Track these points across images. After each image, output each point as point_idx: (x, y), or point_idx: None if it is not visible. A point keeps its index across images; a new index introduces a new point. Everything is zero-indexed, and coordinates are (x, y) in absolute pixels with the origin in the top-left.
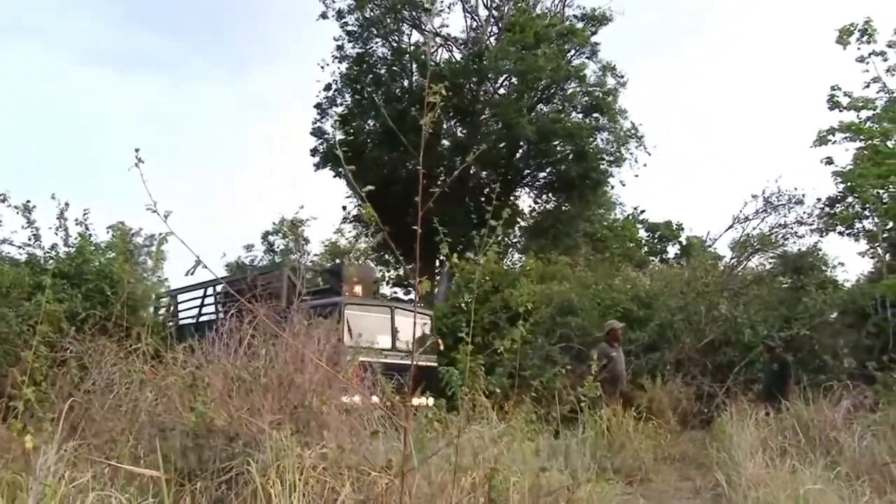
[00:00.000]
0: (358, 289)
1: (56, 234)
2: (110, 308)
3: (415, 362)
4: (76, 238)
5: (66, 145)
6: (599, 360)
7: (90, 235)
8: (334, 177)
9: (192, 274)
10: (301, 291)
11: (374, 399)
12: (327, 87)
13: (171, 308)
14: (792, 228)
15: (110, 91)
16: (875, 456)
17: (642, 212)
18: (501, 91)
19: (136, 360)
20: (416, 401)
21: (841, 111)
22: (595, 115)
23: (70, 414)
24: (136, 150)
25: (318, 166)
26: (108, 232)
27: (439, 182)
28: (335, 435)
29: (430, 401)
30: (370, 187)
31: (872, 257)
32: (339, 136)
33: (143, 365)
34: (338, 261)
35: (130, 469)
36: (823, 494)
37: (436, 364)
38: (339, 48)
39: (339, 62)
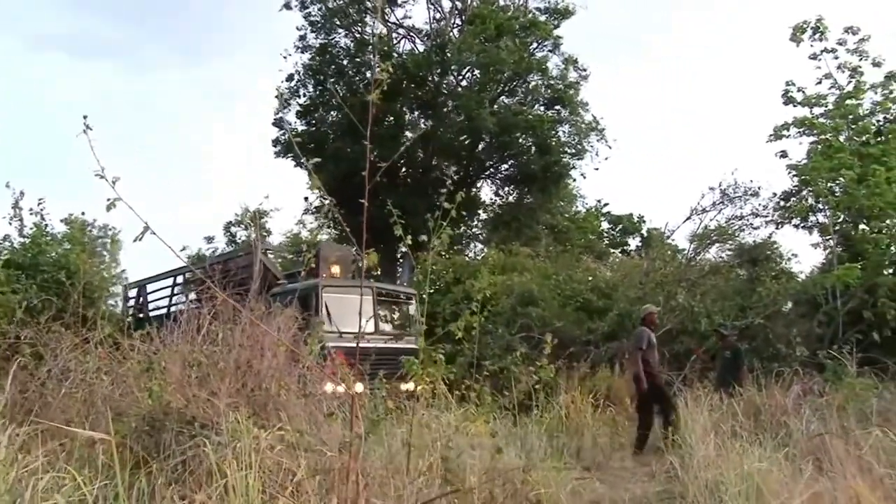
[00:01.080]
0: (336, 269)
1: (10, 223)
2: (67, 299)
3: (401, 346)
4: (31, 228)
5: (20, 132)
6: (641, 343)
7: (46, 226)
8: (295, 166)
9: (140, 240)
10: (276, 274)
11: (359, 387)
12: (289, 78)
13: (140, 299)
14: (748, 220)
15: (64, 77)
16: (821, 436)
17: (605, 205)
18: (464, 83)
19: (93, 349)
20: (403, 386)
21: (795, 106)
22: (557, 107)
23: (24, 401)
24: (85, 117)
25: (279, 157)
26: (63, 223)
27: (402, 173)
28: (291, 418)
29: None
30: (316, 159)
31: (825, 249)
32: (305, 127)
33: (98, 352)
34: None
35: (81, 432)
36: (769, 473)
37: (417, 347)
38: (302, 38)
39: (302, 52)
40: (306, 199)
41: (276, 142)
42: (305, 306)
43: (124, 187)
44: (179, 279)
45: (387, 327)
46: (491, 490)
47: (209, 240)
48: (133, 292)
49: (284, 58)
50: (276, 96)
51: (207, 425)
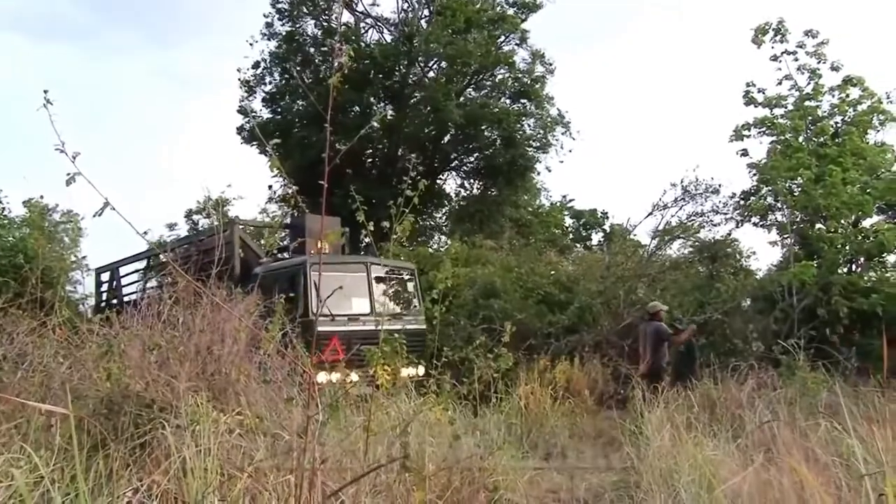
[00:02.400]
0: (324, 244)
1: None
2: (24, 283)
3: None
4: None
5: None
6: (666, 338)
7: (2, 210)
8: (260, 153)
9: (100, 215)
10: (257, 252)
11: (355, 375)
12: (256, 65)
13: (114, 282)
14: (708, 217)
15: (23, 59)
16: (771, 429)
17: (570, 200)
18: (431, 74)
19: (50, 333)
20: (404, 371)
21: (756, 107)
22: (523, 101)
23: None
24: (45, 92)
25: (244, 144)
26: (24, 206)
27: (368, 163)
28: (251, 403)
29: (421, 370)
30: (276, 141)
31: (782, 247)
32: (270, 115)
33: (57, 335)
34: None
35: (39, 405)
36: (722, 462)
37: (424, 328)
38: (269, 25)
39: (269, 40)
40: (270, 187)
41: (240, 129)
42: (292, 287)
43: (85, 171)
44: (152, 262)
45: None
46: (449, 477)
47: (171, 227)
48: (106, 276)
49: (251, 45)
50: (241, 83)
51: (166, 408)
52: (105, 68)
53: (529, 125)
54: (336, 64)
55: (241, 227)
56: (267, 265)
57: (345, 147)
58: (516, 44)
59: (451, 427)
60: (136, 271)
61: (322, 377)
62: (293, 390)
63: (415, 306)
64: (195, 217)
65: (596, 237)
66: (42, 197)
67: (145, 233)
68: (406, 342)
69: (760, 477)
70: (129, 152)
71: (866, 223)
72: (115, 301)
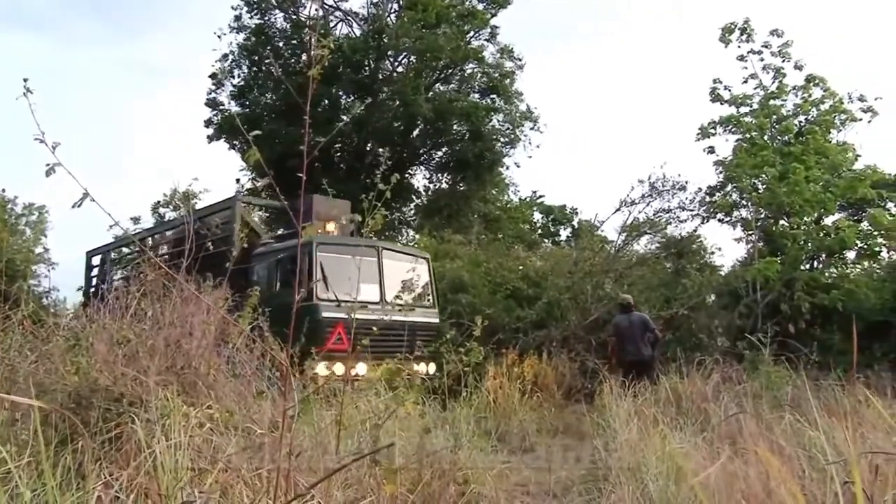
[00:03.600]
0: (331, 226)
1: None
2: None
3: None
4: None
5: None
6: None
7: None
8: (229, 149)
9: (79, 206)
10: (258, 232)
11: (361, 368)
12: (224, 57)
13: (104, 266)
14: (675, 214)
15: None
16: (737, 422)
17: (540, 196)
18: (400, 69)
19: (15, 326)
20: (416, 368)
21: (722, 104)
22: (492, 96)
23: None
24: (25, 81)
25: (211, 138)
26: None
27: (337, 157)
28: (220, 398)
29: (432, 368)
30: (257, 132)
31: (746, 244)
32: (238, 108)
33: (22, 327)
34: None
35: (5, 397)
36: (688, 455)
37: (437, 321)
38: (237, 18)
39: (237, 32)
40: (238, 181)
41: (208, 122)
42: (296, 269)
43: (47, 161)
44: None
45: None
46: (419, 470)
47: (135, 220)
48: (97, 260)
49: (219, 37)
50: (211, 76)
51: (136, 403)
52: (70, 58)
53: (498, 120)
54: (315, 56)
55: (242, 204)
56: (269, 245)
57: (322, 141)
58: (486, 39)
59: (421, 421)
60: (130, 254)
61: (322, 369)
62: (263, 384)
63: (428, 299)
64: (161, 210)
65: (564, 233)
66: (3, 190)
67: (113, 225)
68: (419, 337)
69: (727, 469)
70: (94, 144)
71: (828, 220)
72: (104, 286)
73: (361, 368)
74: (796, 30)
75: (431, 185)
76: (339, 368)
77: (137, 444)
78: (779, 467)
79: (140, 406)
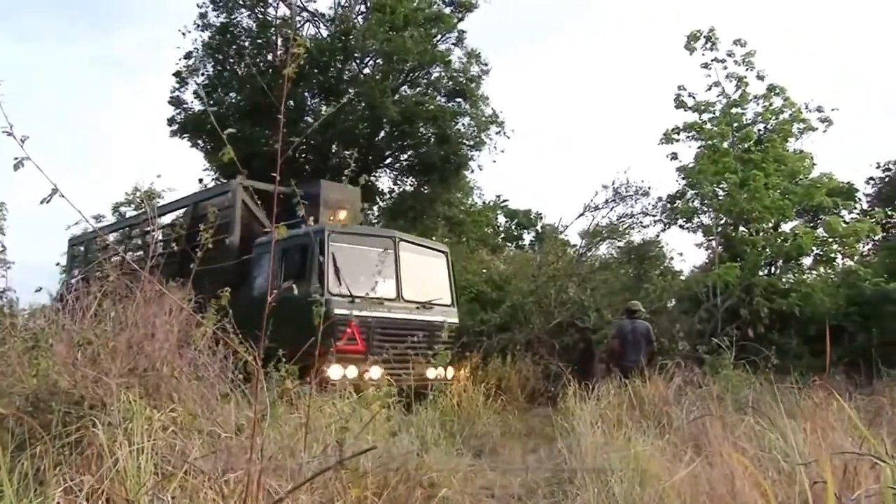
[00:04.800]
0: (342, 214)
1: None
2: None
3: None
4: None
5: None
6: (651, 340)
7: None
8: (192, 147)
9: (48, 202)
10: (261, 220)
11: (376, 371)
12: (188, 56)
13: (88, 256)
14: (637, 219)
15: None
16: (698, 425)
17: (504, 200)
18: (367, 71)
19: None
20: (431, 373)
21: (686, 111)
22: (458, 100)
23: None
24: None
25: (174, 135)
26: None
27: (301, 159)
28: (183, 400)
29: (450, 373)
30: (231, 130)
31: (707, 249)
32: (204, 106)
33: None
34: None
35: None
36: (653, 457)
37: (457, 321)
38: (203, 16)
39: (202, 30)
40: (201, 180)
41: (171, 121)
42: (304, 260)
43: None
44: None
45: (411, 294)
46: (385, 474)
47: (97, 219)
48: (81, 249)
49: (183, 35)
50: (175, 74)
51: (97, 406)
52: (25, 52)
53: (464, 124)
54: (291, 55)
55: (244, 188)
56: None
57: (295, 142)
58: (452, 43)
59: (387, 424)
60: (119, 241)
61: (336, 372)
62: (227, 387)
63: (448, 297)
64: (122, 209)
65: (528, 237)
66: None
67: (68, 227)
68: (437, 338)
69: (693, 471)
70: (51, 139)
71: (786, 227)
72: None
73: (375, 372)
74: (760, 38)
75: (396, 188)
76: (351, 371)
77: (99, 448)
78: (749, 468)
79: (101, 409)
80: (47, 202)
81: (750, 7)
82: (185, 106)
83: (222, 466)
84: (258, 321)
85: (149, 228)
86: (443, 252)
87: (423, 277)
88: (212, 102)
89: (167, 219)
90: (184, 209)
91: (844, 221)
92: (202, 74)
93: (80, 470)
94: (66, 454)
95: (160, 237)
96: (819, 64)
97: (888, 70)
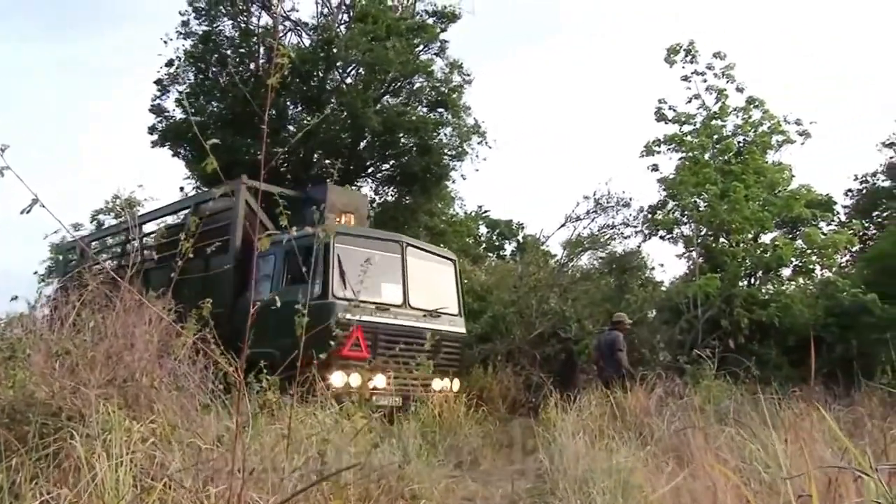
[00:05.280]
0: (348, 218)
1: None
2: None
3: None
4: None
5: None
6: (621, 346)
7: None
8: (173, 156)
9: (28, 212)
10: (264, 222)
11: (381, 381)
12: (169, 63)
13: (82, 257)
14: (619, 230)
15: None
16: (680, 436)
17: (486, 211)
18: (349, 80)
19: None
20: (437, 384)
21: (666, 123)
22: (440, 110)
23: None
24: None
25: (155, 144)
26: None
27: (283, 168)
28: (163, 411)
29: (456, 385)
30: (215, 141)
31: (687, 260)
32: (184, 115)
33: None
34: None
35: None
36: (634, 468)
37: (464, 331)
38: (185, 24)
39: (185, 38)
40: (181, 189)
41: (152, 129)
42: (309, 262)
43: None
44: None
45: (421, 301)
46: (367, 486)
47: (76, 227)
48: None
49: (165, 43)
50: (156, 82)
51: (75, 417)
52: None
53: (446, 134)
54: (275, 64)
55: (249, 188)
56: (276, 237)
57: (279, 152)
58: (435, 53)
59: (368, 435)
60: (113, 246)
61: (338, 379)
62: (206, 397)
63: (455, 306)
64: (101, 217)
65: (509, 247)
66: None
67: (45, 236)
68: (443, 348)
69: (674, 482)
70: (30, 145)
71: (765, 238)
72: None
73: (380, 381)
74: (741, 49)
75: (378, 198)
76: (354, 379)
77: (77, 460)
78: (734, 480)
79: (80, 420)
80: (28, 212)
81: (744, 9)
82: (166, 114)
83: (203, 479)
84: (261, 327)
85: (130, 236)
86: (451, 260)
87: (429, 285)
88: (193, 111)
89: (168, 221)
90: (185, 210)
91: (823, 233)
92: (184, 83)
93: (58, 483)
94: (42, 467)
95: (154, 240)
96: (817, 65)
97: (887, 71)
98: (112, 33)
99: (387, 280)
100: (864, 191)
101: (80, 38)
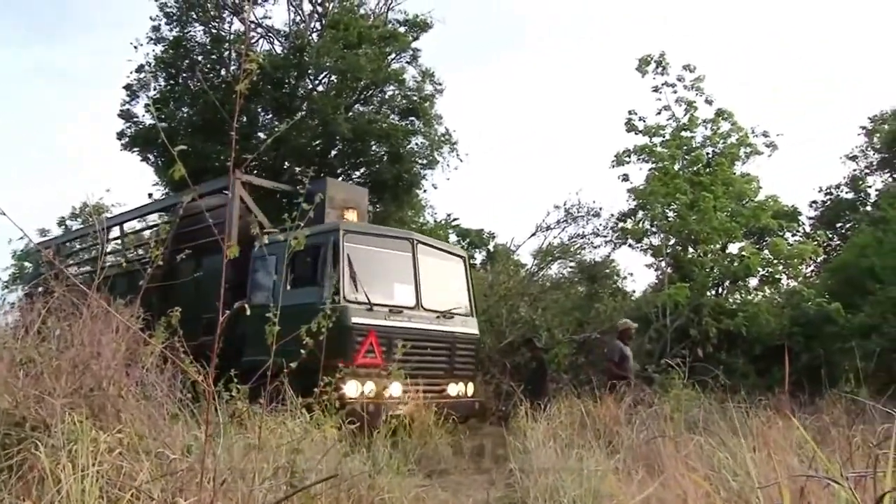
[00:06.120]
0: (351, 215)
1: None
2: None
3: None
4: None
5: None
6: (614, 357)
7: None
8: (142, 161)
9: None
10: (261, 220)
11: (397, 388)
12: (139, 69)
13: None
14: (589, 239)
15: None
16: (650, 444)
17: (455, 219)
18: (321, 88)
19: None
20: (452, 389)
21: (637, 134)
22: (411, 118)
23: None
24: None
25: (124, 149)
26: None
27: (253, 174)
28: (130, 421)
29: (471, 389)
30: (183, 147)
31: (657, 270)
32: (155, 121)
33: None
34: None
35: None
36: (604, 477)
37: (477, 332)
38: (156, 29)
39: (155, 44)
40: (150, 195)
41: (121, 134)
42: (314, 263)
43: None
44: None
45: (432, 302)
46: (337, 496)
47: (43, 232)
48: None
49: (136, 48)
50: (125, 87)
51: (39, 427)
52: None
53: (417, 143)
54: (244, 70)
55: (244, 183)
56: (275, 236)
57: (248, 158)
58: (406, 62)
59: (339, 445)
60: (89, 246)
61: (352, 389)
62: (175, 406)
63: (467, 306)
64: (69, 223)
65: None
66: None
67: (10, 241)
68: (458, 351)
69: (644, 490)
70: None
71: (733, 248)
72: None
73: (396, 389)
74: (728, 52)
75: None
76: (369, 388)
77: (41, 471)
78: (705, 488)
79: (44, 431)
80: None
81: (732, 12)
82: (135, 119)
83: (172, 490)
84: (264, 333)
85: (106, 237)
86: (461, 257)
87: (441, 284)
88: (163, 117)
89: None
90: (175, 206)
91: (789, 244)
92: (154, 88)
93: (21, 496)
94: (5, 479)
95: (128, 243)
96: (806, 68)
97: (875, 75)
98: (82, 38)
99: (398, 280)
100: (829, 202)
101: (47, 42)
